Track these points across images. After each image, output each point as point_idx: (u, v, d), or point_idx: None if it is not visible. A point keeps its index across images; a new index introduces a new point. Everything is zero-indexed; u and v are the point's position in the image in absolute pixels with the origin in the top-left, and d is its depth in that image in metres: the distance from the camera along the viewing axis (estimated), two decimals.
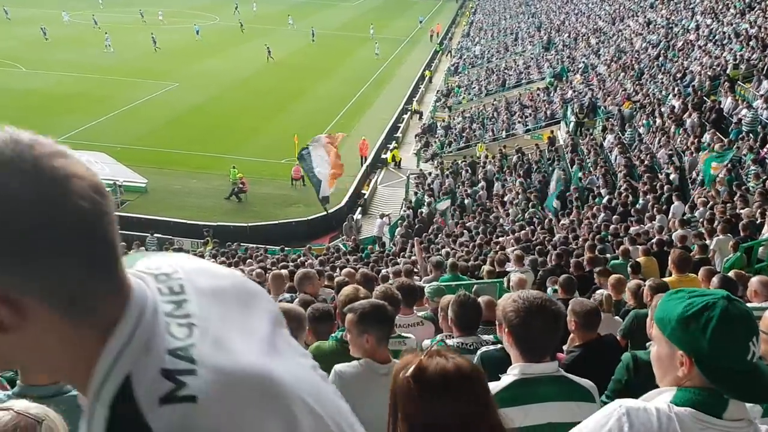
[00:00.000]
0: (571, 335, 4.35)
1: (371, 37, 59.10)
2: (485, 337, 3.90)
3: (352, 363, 2.93)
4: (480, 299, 4.65)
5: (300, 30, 60.58)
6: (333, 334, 3.85)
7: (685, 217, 12.14)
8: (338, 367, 2.92)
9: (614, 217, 14.32)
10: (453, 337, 3.94)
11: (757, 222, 10.26)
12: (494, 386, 2.34)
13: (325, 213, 23.69)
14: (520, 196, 20.72)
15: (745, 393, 1.57)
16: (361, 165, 29.92)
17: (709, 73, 22.46)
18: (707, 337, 1.56)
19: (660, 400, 1.63)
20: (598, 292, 6.10)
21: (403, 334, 4.00)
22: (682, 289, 1.72)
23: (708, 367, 1.57)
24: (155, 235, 21.87)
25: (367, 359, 2.89)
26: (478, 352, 3.35)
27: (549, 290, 7.76)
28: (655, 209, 13.85)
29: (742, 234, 9.47)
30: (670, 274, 6.78)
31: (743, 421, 1.58)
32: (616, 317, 5.65)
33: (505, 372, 2.43)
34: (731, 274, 5.87)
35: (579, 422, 1.69)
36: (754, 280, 5.00)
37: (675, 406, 1.57)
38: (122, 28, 56.41)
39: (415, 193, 25.96)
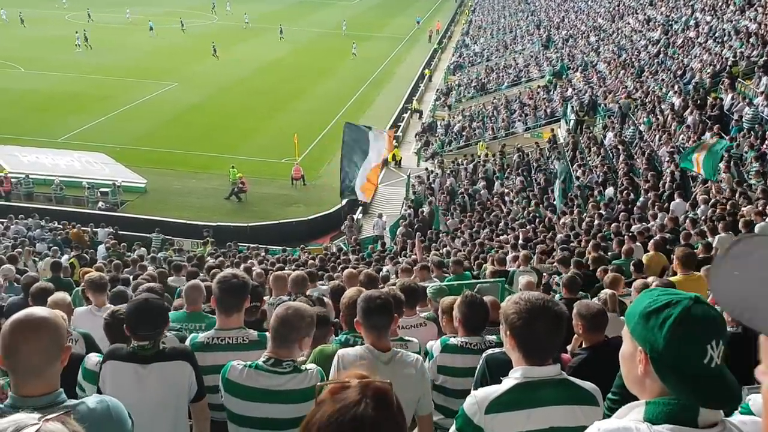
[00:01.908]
0: (575, 336, 4.31)
1: (344, 35, 59.03)
2: (489, 337, 3.88)
3: (355, 348, 3.15)
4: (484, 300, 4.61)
5: (297, 30, 60.52)
6: (337, 338, 3.82)
7: (688, 215, 12.11)
8: (341, 351, 3.12)
9: (622, 214, 14.25)
10: (457, 336, 3.92)
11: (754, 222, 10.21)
12: (496, 389, 2.30)
13: (339, 204, 22.46)
14: (520, 195, 20.70)
15: (697, 396, 1.52)
16: None
17: (709, 71, 22.43)
18: (663, 334, 1.52)
19: (631, 417, 1.59)
20: (603, 291, 6.04)
21: (405, 338, 3.97)
22: (656, 288, 1.69)
23: (661, 366, 1.54)
24: (160, 234, 21.78)
25: (368, 346, 3.08)
26: (484, 355, 3.32)
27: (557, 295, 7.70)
28: (656, 207, 13.81)
29: (744, 231, 9.41)
30: (674, 273, 6.73)
31: (718, 426, 1.54)
32: (622, 317, 5.59)
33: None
34: None
35: (582, 426, 1.65)
36: None
37: (652, 425, 1.52)
38: (113, 29, 56.34)
39: (414, 192, 25.93)
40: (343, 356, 3.06)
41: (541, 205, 18.61)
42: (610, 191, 17.46)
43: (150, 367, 3.17)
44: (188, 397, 3.29)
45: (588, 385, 2.38)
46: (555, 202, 18.66)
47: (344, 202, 22.03)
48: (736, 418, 1.63)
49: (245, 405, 3.00)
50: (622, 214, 14.33)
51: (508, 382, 2.31)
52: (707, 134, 17.26)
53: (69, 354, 2.23)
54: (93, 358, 3.51)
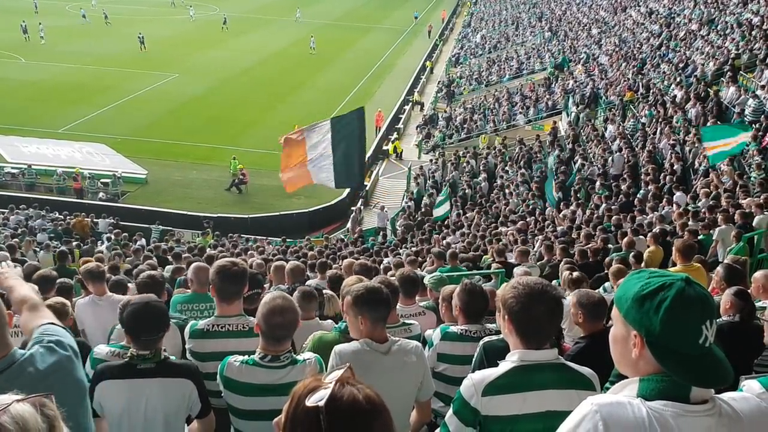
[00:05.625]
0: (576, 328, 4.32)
1: (297, 22, 59.15)
2: (489, 325, 3.89)
3: (352, 342, 3.06)
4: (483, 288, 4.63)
5: (299, 20, 60.33)
6: (337, 326, 3.84)
7: (688, 207, 12.10)
8: (338, 347, 3.05)
9: (614, 207, 14.28)
10: (457, 325, 3.94)
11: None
12: (492, 372, 2.32)
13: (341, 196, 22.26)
14: (521, 187, 20.67)
15: (694, 377, 1.54)
16: (375, 135, 30.92)
17: (711, 63, 22.35)
18: (659, 317, 1.53)
19: (625, 393, 1.60)
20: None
21: (407, 321, 3.99)
22: (645, 270, 1.70)
23: (658, 348, 1.55)
24: (159, 226, 21.80)
25: (365, 339, 3.00)
26: (481, 342, 3.33)
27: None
28: (657, 200, 13.79)
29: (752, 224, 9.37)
30: (674, 264, 6.74)
31: (709, 402, 1.56)
32: None
33: None
34: (728, 259, 5.74)
35: None
36: (759, 276, 4.78)
37: (646, 400, 1.54)
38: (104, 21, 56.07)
39: (417, 185, 25.90)
40: (340, 352, 2.97)
41: (543, 201, 18.57)
42: (616, 160, 17.49)
43: (150, 382, 3.01)
44: (187, 413, 3.18)
45: (585, 370, 2.39)
46: (548, 198, 18.53)
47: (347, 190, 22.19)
48: (726, 394, 1.64)
49: (245, 400, 2.99)
50: (621, 206, 14.34)
51: (505, 366, 2.32)
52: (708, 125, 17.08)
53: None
54: (103, 348, 3.47)
